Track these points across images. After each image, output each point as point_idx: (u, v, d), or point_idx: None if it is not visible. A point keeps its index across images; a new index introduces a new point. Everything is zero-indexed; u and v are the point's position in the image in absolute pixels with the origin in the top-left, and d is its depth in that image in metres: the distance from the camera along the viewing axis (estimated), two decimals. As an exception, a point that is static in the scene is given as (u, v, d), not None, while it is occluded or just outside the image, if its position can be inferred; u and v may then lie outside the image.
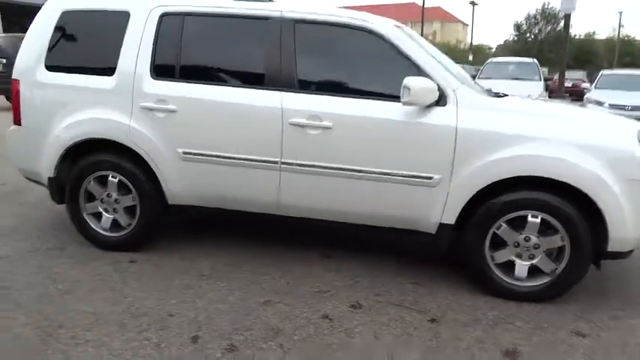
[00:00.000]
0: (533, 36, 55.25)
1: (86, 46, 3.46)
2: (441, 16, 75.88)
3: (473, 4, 45.04)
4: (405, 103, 2.82)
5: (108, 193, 3.42)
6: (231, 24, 3.23)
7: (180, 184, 3.29)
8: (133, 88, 3.25)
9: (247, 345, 2.42)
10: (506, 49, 54.05)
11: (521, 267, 2.94)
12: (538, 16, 55.20)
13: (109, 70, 3.32)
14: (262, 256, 3.47)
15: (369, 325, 2.65)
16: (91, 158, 3.38)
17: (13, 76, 3.51)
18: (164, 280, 3.08)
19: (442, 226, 2.98)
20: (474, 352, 2.43)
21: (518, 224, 2.89)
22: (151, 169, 3.31)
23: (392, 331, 2.61)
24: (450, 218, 2.95)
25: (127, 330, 2.50)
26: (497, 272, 2.97)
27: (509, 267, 2.97)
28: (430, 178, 2.92)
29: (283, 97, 3.07)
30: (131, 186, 3.35)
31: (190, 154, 3.21)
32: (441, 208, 2.95)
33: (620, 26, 54.37)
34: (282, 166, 3.09)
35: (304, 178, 3.09)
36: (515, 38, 56.73)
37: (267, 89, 3.11)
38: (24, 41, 3.54)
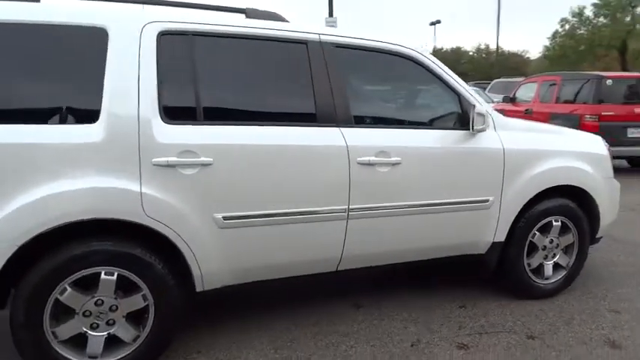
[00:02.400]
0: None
1: (25, 78, 2.18)
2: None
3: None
4: (477, 131, 2.81)
5: (97, 300, 2.26)
6: (258, 48, 2.57)
7: (217, 261, 2.44)
8: (139, 138, 2.24)
9: None
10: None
11: (548, 267, 3.30)
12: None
13: (83, 115, 2.20)
14: (310, 322, 2.89)
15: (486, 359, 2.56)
16: (67, 252, 2.17)
17: None
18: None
19: (493, 245, 3.09)
20: (588, 346, 2.64)
21: (545, 229, 3.24)
22: (175, 249, 2.35)
23: (514, 357, 2.58)
24: (501, 236, 3.08)
25: None
26: (533, 277, 3.26)
27: (538, 270, 3.29)
28: (486, 200, 2.98)
29: (345, 133, 2.63)
30: (141, 282, 2.30)
31: (233, 218, 2.41)
32: (494, 228, 3.05)
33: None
34: (350, 213, 2.65)
35: (372, 222, 2.72)
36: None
37: (322, 126, 2.61)
38: None
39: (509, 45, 53.19)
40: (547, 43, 39.83)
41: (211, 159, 2.34)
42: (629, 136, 8.11)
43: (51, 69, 2.21)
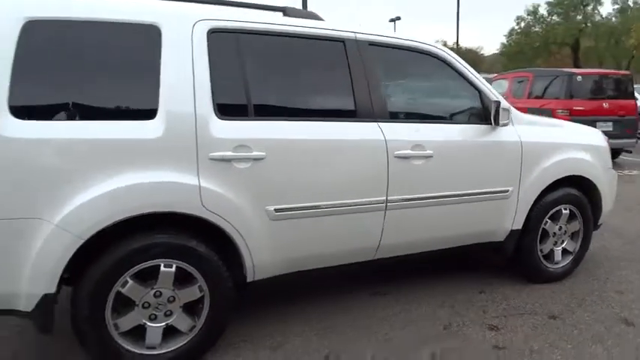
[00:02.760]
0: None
1: (79, 76, 2.18)
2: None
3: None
4: (502, 125, 2.99)
5: (156, 292, 2.29)
6: (300, 46, 2.64)
7: (268, 252, 2.51)
8: (196, 134, 2.28)
9: None
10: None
11: (557, 252, 3.53)
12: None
13: (141, 112, 2.22)
14: (343, 311, 2.99)
15: (517, 338, 2.74)
16: (128, 246, 2.20)
17: None
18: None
19: (512, 233, 3.28)
20: (605, 324, 2.87)
21: (555, 217, 3.46)
22: (230, 241, 2.41)
23: (542, 335, 2.78)
24: (519, 224, 3.28)
25: None
26: (545, 262, 3.47)
27: (548, 255, 3.51)
28: (507, 191, 3.17)
29: (383, 128, 2.74)
30: (197, 273, 2.35)
31: (284, 210, 2.49)
32: (513, 217, 3.24)
33: None
34: (388, 204, 2.77)
35: (408, 213, 2.85)
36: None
37: (362, 121, 2.71)
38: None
39: (466, 41, 54.74)
40: (504, 40, 41.17)
41: (264, 153, 2.40)
42: (599, 129, 8.57)
43: (108, 66, 2.21)
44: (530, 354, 2.59)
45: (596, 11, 35.66)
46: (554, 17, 37.07)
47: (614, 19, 35.84)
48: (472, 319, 2.96)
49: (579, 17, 35.94)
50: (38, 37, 2.07)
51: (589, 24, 35.65)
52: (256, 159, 2.39)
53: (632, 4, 35.41)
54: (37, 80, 2.08)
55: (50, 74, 2.11)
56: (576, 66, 33.99)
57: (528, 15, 38.43)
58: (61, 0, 2.18)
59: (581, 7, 35.22)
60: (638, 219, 5.14)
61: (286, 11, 2.79)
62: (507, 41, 40.17)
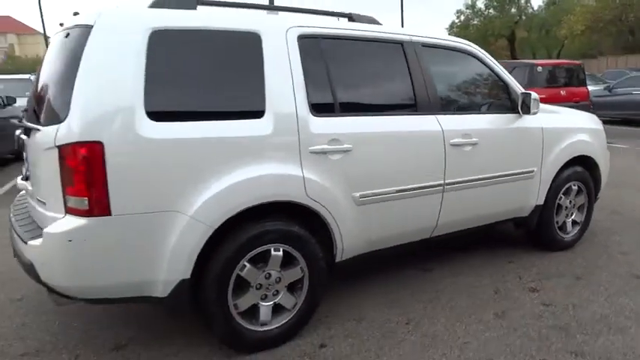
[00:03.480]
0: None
1: (198, 81, 2.38)
2: (13, 27, 64.86)
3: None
4: (533, 114, 3.42)
5: (267, 274, 2.54)
6: (369, 48, 2.94)
7: (354, 233, 2.81)
8: (299, 130, 2.54)
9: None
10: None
11: (568, 223, 4.04)
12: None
13: (252, 112, 2.46)
14: (400, 286, 3.34)
15: (556, 296, 3.21)
16: (247, 233, 2.43)
17: (83, 138, 2.07)
18: (380, 348, 2.67)
19: (536, 208, 3.74)
20: (622, 279, 3.39)
21: (566, 193, 3.96)
22: (324, 225, 2.69)
23: (576, 293, 3.25)
24: (541, 200, 3.75)
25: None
26: (559, 232, 3.97)
27: (562, 227, 4.01)
28: (532, 171, 3.62)
29: (439, 119, 3.10)
30: (299, 256, 2.62)
31: (367, 196, 2.80)
32: (536, 194, 3.70)
33: None
34: (445, 187, 3.14)
35: (459, 194, 3.23)
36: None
37: (423, 114, 3.06)
38: (82, 84, 2.11)
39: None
40: (446, 33, 42.76)
41: (351, 145, 2.69)
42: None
43: (220, 70, 2.42)
44: (573, 308, 3.04)
45: (528, 4, 37.84)
46: (491, 10, 38.99)
47: (543, 11, 38.23)
48: (513, 285, 3.39)
49: (514, 10, 38.01)
50: (162, 46, 2.26)
51: (523, 16, 37.79)
52: (345, 151, 2.68)
53: (559, -3, 37.93)
54: (165, 85, 2.26)
55: (175, 79, 2.29)
56: (513, 56, 36.02)
57: (467, 9, 40.24)
58: (182, 12, 2.37)
59: (515, 0, 37.25)
60: (616, 192, 5.79)
61: (352, 17, 3.07)
62: (449, 34, 41.81)
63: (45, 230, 2.15)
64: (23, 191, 3.17)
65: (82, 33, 2.21)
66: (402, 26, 17.39)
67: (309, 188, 2.55)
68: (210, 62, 2.40)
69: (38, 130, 2.27)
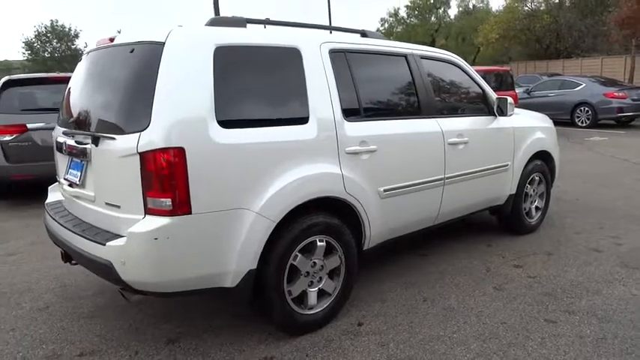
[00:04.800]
0: (49, 54, 53.54)
1: (255, 91, 2.65)
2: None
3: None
4: (509, 115, 3.99)
5: (312, 262, 2.85)
6: (383, 61, 3.34)
7: (378, 224, 3.18)
8: (336, 134, 2.88)
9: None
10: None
11: (533, 208, 4.68)
12: (49, 34, 53.74)
13: (298, 119, 2.76)
14: (406, 270, 3.76)
15: (537, 270, 3.79)
16: (299, 226, 2.73)
17: (168, 144, 2.28)
18: (414, 324, 3.09)
19: (510, 197, 4.32)
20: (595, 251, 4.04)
21: (531, 183, 4.58)
22: (356, 218, 3.04)
23: (553, 266, 3.85)
24: (514, 190, 4.34)
25: None
26: (527, 217, 4.60)
27: (528, 212, 4.63)
28: (507, 165, 4.20)
29: (439, 122, 3.56)
30: (338, 246, 2.95)
31: (389, 190, 3.19)
32: (510, 184, 4.29)
33: None
34: (446, 180, 3.60)
35: (455, 187, 3.71)
36: (30, 56, 53.49)
37: (426, 117, 3.50)
38: (161, 96, 2.31)
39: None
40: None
41: (376, 146, 3.07)
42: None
43: (271, 80, 2.71)
44: (554, 278, 3.61)
45: (445, 13, 40.38)
46: (413, 19, 41.14)
47: (460, 21, 40.97)
48: (499, 263, 3.92)
49: (434, 19, 40.38)
50: (224, 61, 2.50)
51: (442, 25, 40.23)
52: (372, 151, 3.05)
53: (472, 7, 40.83)
54: (228, 95, 2.49)
55: (235, 90, 2.54)
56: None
57: (390, 17, 42.15)
58: (236, 29, 2.63)
59: (435, 9, 39.61)
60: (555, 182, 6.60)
61: (364, 33, 3.46)
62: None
63: (129, 230, 2.31)
64: (54, 198, 3.25)
65: (152, 49, 2.41)
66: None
67: (347, 185, 2.90)
68: (262, 74, 2.68)
69: (112, 138, 2.42)
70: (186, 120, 2.34)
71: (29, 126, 6.28)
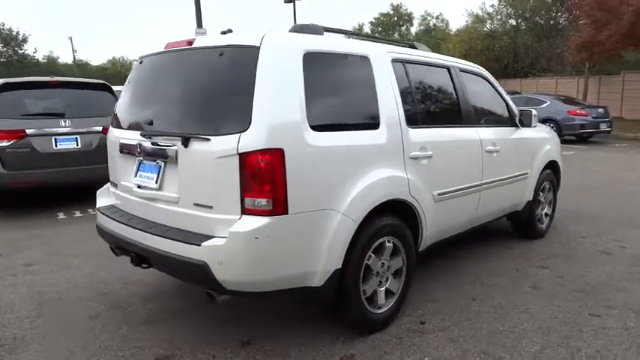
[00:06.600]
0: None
1: (335, 96, 2.76)
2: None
3: None
4: (534, 127, 4.26)
5: (381, 262, 2.96)
6: (432, 71, 3.53)
7: (431, 226, 3.33)
8: (402, 139, 3.02)
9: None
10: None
11: (543, 215, 4.97)
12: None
13: (371, 124, 2.89)
14: (443, 272, 3.93)
15: (562, 269, 4.06)
16: (373, 227, 2.83)
17: (269, 145, 2.35)
18: (501, 319, 3.25)
19: (527, 203, 4.59)
20: (603, 253, 4.35)
21: (543, 190, 4.88)
22: (415, 220, 3.18)
23: (574, 265, 4.12)
24: (531, 196, 4.61)
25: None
26: (539, 223, 4.88)
27: (540, 218, 4.92)
28: (527, 173, 4.47)
29: (477, 131, 3.77)
30: (401, 247, 3.07)
31: (442, 194, 3.35)
32: (528, 191, 4.56)
33: (74, 51, 59.96)
34: (482, 186, 3.81)
35: (489, 192, 3.92)
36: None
37: (467, 126, 3.71)
38: (261, 98, 2.38)
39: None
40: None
41: (432, 152, 3.23)
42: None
43: (350, 86, 2.83)
44: (580, 277, 3.87)
45: (408, 31, 41.70)
46: (377, 35, 42.19)
47: (421, 40, 42.41)
48: (526, 265, 4.15)
49: (397, 35, 41.56)
50: (311, 66, 2.60)
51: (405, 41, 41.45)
52: (429, 157, 3.21)
53: (432, 26, 42.38)
54: (315, 99, 2.58)
55: (320, 94, 2.63)
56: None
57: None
58: (317, 37, 2.75)
59: (398, 26, 40.84)
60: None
61: (415, 46, 3.64)
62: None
63: (231, 230, 2.35)
64: (105, 202, 3.22)
65: (247, 53, 2.47)
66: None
67: (411, 188, 3.04)
68: (340, 80, 2.80)
69: (207, 140, 2.45)
70: (285, 122, 2.42)
71: (28, 131, 6.06)
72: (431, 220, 3.29)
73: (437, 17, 46.51)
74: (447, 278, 3.85)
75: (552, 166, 5.00)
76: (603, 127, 14.17)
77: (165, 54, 2.96)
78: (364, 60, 2.94)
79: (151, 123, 2.83)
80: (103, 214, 3.14)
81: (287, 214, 2.41)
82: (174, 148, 2.62)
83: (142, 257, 2.79)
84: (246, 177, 2.36)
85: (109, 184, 3.38)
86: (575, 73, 24.08)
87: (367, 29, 41.88)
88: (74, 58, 56.52)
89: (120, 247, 2.93)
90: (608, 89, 21.29)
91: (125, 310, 3.34)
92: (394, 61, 3.16)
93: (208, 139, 2.46)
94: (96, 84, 6.86)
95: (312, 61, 2.62)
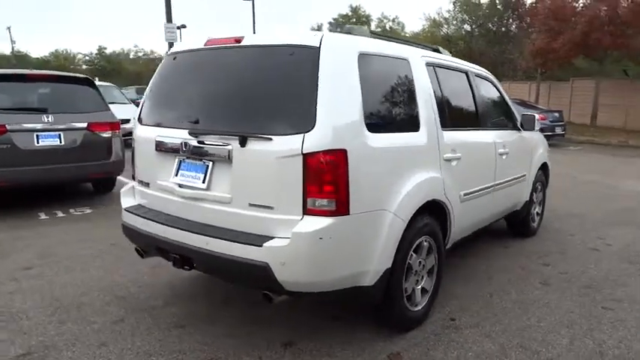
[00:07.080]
0: None
1: (383, 98, 2.80)
2: None
3: None
4: (536, 131, 4.47)
5: (419, 261, 3.04)
6: (455, 75, 3.64)
7: (456, 225, 3.43)
8: (438, 141, 3.11)
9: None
10: None
11: (535, 214, 5.22)
12: None
13: (413, 125, 2.96)
14: (456, 271, 4.06)
15: (562, 264, 4.29)
16: (415, 227, 2.89)
17: (334, 146, 2.36)
18: (520, 313, 3.39)
19: (525, 202, 4.81)
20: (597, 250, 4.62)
21: (535, 191, 5.12)
22: (444, 220, 3.28)
23: (572, 261, 4.36)
24: (528, 196, 4.84)
25: None
26: (532, 222, 5.12)
27: (533, 217, 5.16)
28: (525, 174, 4.69)
29: (491, 134, 3.92)
30: (434, 245, 3.16)
31: (467, 194, 3.47)
32: (526, 192, 4.78)
33: (12, 42, 57.38)
34: (495, 186, 3.97)
35: (499, 192, 4.09)
36: None
37: (484, 129, 3.85)
38: (325, 99, 2.38)
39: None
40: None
41: (460, 154, 3.34)
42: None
43: (396, 87, 2.88)
44: (582, 273, 4.10)
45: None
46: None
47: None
48: (528, 262, 4.35)
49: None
50: (364, 67, 2.63)
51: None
52: (458, 158, 3.32)
53: (389, 28, 43.13)
54: (369, 101, 2.61)
55: (372, 96, 2.67)
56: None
57: (314, 31, 43.09)
58: (366, 39, 2.79)
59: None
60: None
61: (438, 50, 3.73)
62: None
63: (294, 230, 2.34)
64: (131, 202, 3.13)
65: (307, 53, 2.47)
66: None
67: (445, 188, 3.13)
68: (387, 82, 2.85)
69: (268, 139, 2.43)
70: (347, 123, 2.44)
71: (8, 127, 5.72)
72: (457, 219, 3.39)
73: (393, 20, 47.53)
74: (460, 275, 3.97)
75: (543, 167, 5.26)
76: (558, 130, 14.94)
77: (207, 51, 2.89)
78: (405, 62, 3.00)
79: (196, 122, 2.75)
80: (133, 214, 3.04)
81: (348, 214, 2.43)
82: (228, 147, 2.57)
83: (185, 259, 2.72)
84: (309, 177, 2.36)
85: (133, 182, 3.27)
86: (526, 79, 25.27)
87: (326, 30, 41.90)
88: (12, 49, 53.79)
89: (159, 248, 2.85)
90: (557, 94, 22.48)
91: (151, 315, 3.24)
92: (427, 64, 3.24)
93: (270, 139, 2.43)
94: (78, 78, 6.56)
95: (365, 62, 2.65)
